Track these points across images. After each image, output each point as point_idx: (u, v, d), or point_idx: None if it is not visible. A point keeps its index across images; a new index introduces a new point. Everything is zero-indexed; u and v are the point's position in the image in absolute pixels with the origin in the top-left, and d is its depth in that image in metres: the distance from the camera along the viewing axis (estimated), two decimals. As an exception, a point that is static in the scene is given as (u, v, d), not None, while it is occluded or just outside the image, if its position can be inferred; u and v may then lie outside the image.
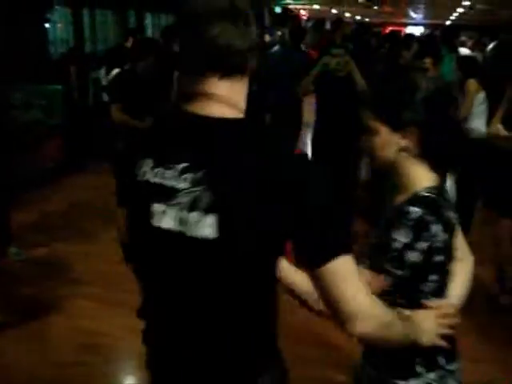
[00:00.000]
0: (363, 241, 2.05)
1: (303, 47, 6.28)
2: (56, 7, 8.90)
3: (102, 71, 7.62)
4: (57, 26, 9.30)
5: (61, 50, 9.07)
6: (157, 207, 1.15)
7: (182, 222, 1.12)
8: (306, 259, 1.17)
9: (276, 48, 6.00)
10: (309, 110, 6.37)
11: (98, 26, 10.39)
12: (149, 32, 12.43)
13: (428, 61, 3.83)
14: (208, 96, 1.16)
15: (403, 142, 1.47)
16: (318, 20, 9.79)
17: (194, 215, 1.11)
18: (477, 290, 1.90)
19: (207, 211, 1.10)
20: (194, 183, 1.11)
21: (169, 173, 1.14)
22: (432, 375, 1.53)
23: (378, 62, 5.62)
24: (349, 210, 4.47)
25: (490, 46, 7.78)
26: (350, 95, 4.22)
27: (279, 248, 1.18)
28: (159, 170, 1.15)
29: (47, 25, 8.45)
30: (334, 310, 1.18)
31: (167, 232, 1.14)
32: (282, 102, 5.21)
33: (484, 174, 4.25)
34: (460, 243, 1.62)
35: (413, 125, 1.45)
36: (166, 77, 4.62)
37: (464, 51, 8.64)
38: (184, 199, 1.12)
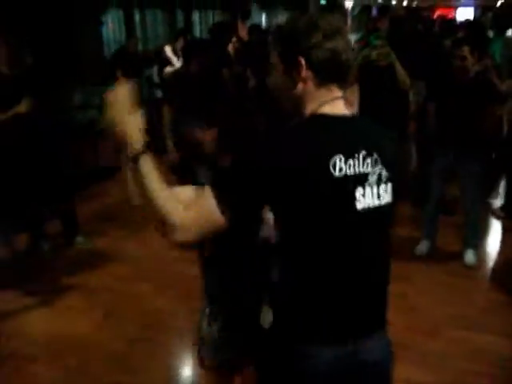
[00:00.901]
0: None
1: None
2: (108, 9, 9.31)
3: (155, 69, 7.93)
4: (108, 26, 9.67)
5: (114, 51, 9.46)
6: (359, 191, 1.45)
7: (376, 195, 1.48)
8: None
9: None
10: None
11: (149, 26, 10.76)
12: (197, 29, 12.73)
13: (465, 49, 3.91)
14: (341, 99, 1.51)
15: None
16: (363, 7, 9.71)
17: (382, 188, 1.49)
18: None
19: (386, 183, 1.50)
20: (373, 165, 1.47)
21: (356, 162, 1.44)
22: None
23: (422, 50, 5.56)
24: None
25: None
26: (392, 86, 4.34)
27: None
28: (350, 162, 1.42)
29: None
30: None
31: (368, 208, 1.46)
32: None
33: None
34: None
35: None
36: (217, 75, 4.74)
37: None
38: (372, 178, 1.47)
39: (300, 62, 1.45)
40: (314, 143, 1.41)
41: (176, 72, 5.35)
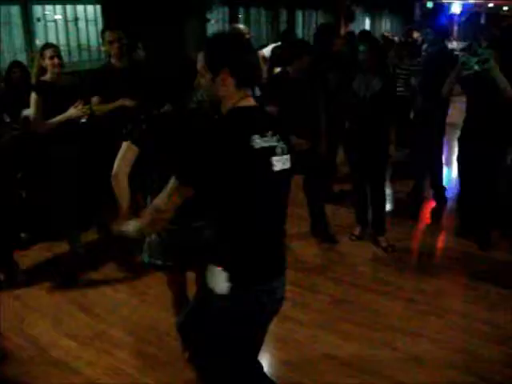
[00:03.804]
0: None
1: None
2: (214, 6, 9.54)
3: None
4: (210, 24, 9.91)
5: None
6: (273, 158, 1.95)
7: (282, 162, 1.99)
8: None
9: (425, 46, 5.94)
10: (457, 110, 6.29)
11: (252, 24, 10.93)
12: (299, 30, 12.78)
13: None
14: (250, 96, 2.02)
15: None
16: (470, 15, 9.35)
17: (284, 157, 1.99)
18: None
19: (287, 154, 2.01)
20: (277, 141, 1.97)
21: (267, 138, 1.93)
22: None
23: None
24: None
25: None
26: (497, 95, 4.17)
27: None
28: (264, 138, 1.92)
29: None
30: None
31: (279, 171, 1.98)
32: (428, 103, 5.24)
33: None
34: None
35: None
36: (319, 77, 4.73)
37: None
38: (278, 150, 1.97)
39: (225, 72, 1.92)
40: (239, 126, 1.93)
41: (277, 74, 5.40)
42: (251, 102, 2.02)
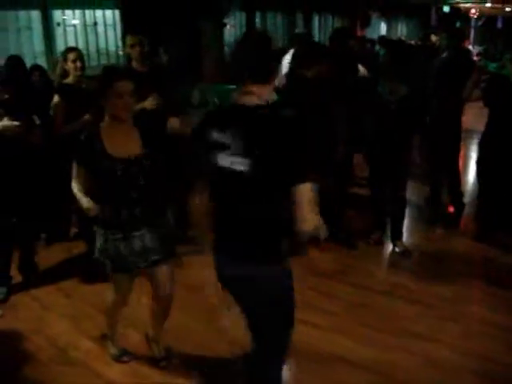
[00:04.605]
0: None
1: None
2: (231, 11, 9.60)
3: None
4: (226, 28, 9.96)
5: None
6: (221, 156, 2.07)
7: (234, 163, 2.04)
8: None
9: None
10: (472, 115, 6.27)
11: (269, 28, 10.97)
12: (315, 33, 12.80)
13: None
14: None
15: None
16: (487, 19, 9.31)
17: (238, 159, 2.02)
18: None
19: (244, 157, 1.99)
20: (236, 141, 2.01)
21: (224, 136, 2.03)
22: None
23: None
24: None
25: None
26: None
27: None
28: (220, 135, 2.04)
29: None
30: None
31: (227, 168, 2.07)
32: (443, 108, 5.23)
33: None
34: None
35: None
36: (339, 79, 4.73)
37: None
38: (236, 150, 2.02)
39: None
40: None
41: (296, 78, 5.40)
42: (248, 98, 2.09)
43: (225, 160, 2.04)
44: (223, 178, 2.09)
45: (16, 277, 4.24)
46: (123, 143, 2.76)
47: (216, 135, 2.05)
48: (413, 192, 6.14)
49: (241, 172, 2.01)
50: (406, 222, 4.93)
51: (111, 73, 2.80)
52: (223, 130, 2.04)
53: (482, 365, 3.21)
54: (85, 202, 2.75)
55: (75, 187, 2.81)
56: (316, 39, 12.31)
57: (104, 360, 3.29)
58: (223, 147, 2.03)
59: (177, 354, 3.31)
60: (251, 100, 2.02)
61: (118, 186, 2.74)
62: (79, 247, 4.73)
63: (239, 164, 2.01)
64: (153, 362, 3.25)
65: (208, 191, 2.21)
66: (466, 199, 5.70)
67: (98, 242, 2.89)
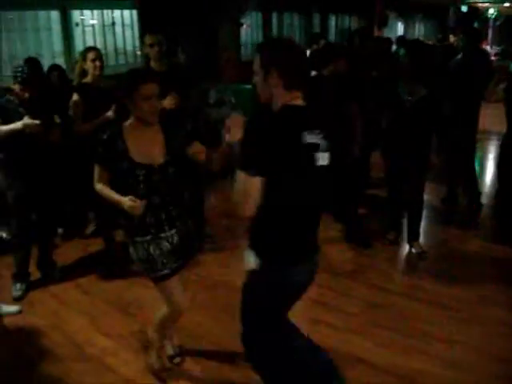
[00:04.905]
0: None
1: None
2: (248, 11, 9.61)
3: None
4: (246, 28, 9.97)
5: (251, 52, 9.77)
6: (317, 155, 2.19)
7: (323, 158, 2.22)
8: None
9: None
10: (489, 116, 6.19)
11: (285, 29, 10.96)
12: (332, 34, 12.76)
13: None
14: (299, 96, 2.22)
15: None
16: (506, 19, 9.20)
17: (326, 154, 2.23)
18: None
19: (328, 151, 2.23)
20: (322, 139, 2.19)
21: (314, 136, 2.15)
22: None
23: None
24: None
25: None
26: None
27: None
28: (311, 135, 2.14)
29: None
30: None
31: (320, 165, 2.22)
32: (459, 109, 5.18)
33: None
34: None
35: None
36: (356, 80, 4.73)
37: None
38: (322, 147, 2.19)
39: (273, 72, 2.13)
40: (291, 123, 2.15)
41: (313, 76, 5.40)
42: (300, 101, 2.21)
43: (321, 158, 2.21)
44: (313, 176, 2.24)
45: (34, 273, 4.29)
46: (147, 149, 2.71)
47: (308, 136, 2.15)
48: (429, 192, 6.11)
49: (325, 166, 2.25)
50: (423, 223, 4.89)
51: (137, 75, 2.74)
52: (312, 131, 2.16)
53: (500, 366, 3.18)
54: (126, 200, 2.60)
55: (103, 189, 2.74)
56: (332, 40, 12.29)
57: (120, 357, 3.31)
58: (316, 147, 2.18)
59: (191, 353, 3.32)
60: (302, 102, 2.21)
61: (139, 190, 2.67)
62: (96, 244, 4.79)
63: (325, 159, 2.23)
64: (168, 361, 3.24)
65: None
66: (483, 200, 5.65)
67: (131, 252, 2.83)
